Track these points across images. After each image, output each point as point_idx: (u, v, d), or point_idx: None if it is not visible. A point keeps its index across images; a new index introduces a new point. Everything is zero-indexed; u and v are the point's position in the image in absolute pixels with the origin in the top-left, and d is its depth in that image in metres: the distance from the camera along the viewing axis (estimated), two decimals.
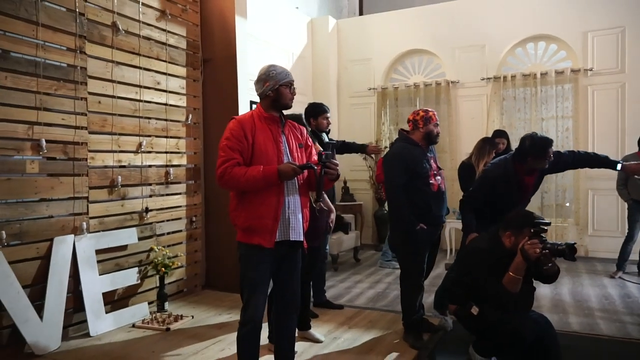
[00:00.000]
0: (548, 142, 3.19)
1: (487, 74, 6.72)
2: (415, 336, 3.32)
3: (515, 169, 3.30)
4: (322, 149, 2.52)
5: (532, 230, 2.80)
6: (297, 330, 3.35)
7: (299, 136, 2.66)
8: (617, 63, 6.13)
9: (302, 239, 2.55)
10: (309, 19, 7.45)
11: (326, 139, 4.22)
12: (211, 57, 4.95)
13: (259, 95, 2.60)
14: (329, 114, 4.21)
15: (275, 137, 2.52)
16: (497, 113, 6.64)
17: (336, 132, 7.27)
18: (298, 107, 4.80)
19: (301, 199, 2.55)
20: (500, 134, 5.19)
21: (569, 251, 2.74)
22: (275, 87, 2.51)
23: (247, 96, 5.66)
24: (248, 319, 2.48)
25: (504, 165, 3.42)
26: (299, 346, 3.30)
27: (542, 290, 4.75)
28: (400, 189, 3.27)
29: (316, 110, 4.17)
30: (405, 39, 7.29)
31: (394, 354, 3.17)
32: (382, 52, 7.43)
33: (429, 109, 3.44)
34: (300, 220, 2.54)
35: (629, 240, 5.18)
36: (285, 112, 2.66)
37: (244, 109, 5.05)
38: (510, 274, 2.82)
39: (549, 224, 2.83)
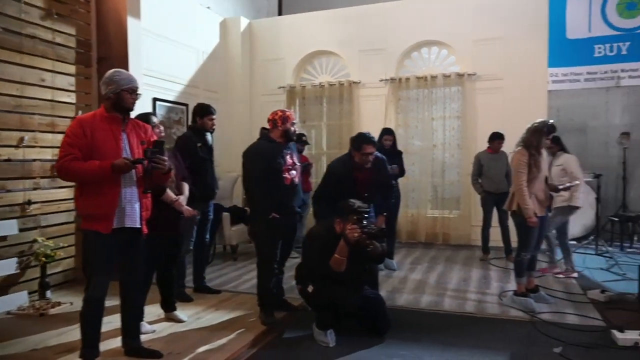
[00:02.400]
0: (365, 139, 3.64)
1: (386, 75, 7.19)
2: (267, 314, 3.69)
3: (352, 165, 3.73)
4: (149, 146, 2.81)
5: (355, 217, 3.22)
6: (163, 311, 3.69)
7: (142, 134, 2.95)
8: (498, 70, 6.73)
9: (138, 225, 2.85)
10: (222, 18, 7.69)
11: (210, 139, 4.53)
12: (107, 55, 5.13)
13: (103, 96, 2.87)
14: (214, 116, 4.50)
15: (115, 135, 2.80)
16: (393, 112, 7.14)
17: (250, 129, 7.53)
18: (208, 102, 5.06)
19: (139, 190, 2.85)
20: (387, 131, 5.68)
21: (380, 234, 3.18)
22: (116, 91, 2.78)
23: (148, 93, 5.90)
24: (89, 297, 2.79)
25: (343, 162, 3.86)
26: (160, 326, 3.63)
27: (413, 275, 5.28)
28: (257, 181, 3.63)
29: (202, 111, 4.45)
30: (315, 41, 7.67)
31: (242, 330, 3.53)
32: (293, 52, 7.78)
33: (287, 110, 3.80)
34: (137, 209, 2.84)
35: (486, 226, 5.87)
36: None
37: (142, 106, 5.28)
38: (336, 255, 3.23)
39: (368, 211, 3.24)
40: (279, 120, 3.69)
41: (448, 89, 6.93)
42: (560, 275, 5.10)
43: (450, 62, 7.10)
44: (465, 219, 6.83)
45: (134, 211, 2.83)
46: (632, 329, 3.41)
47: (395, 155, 5.58)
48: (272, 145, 3.70)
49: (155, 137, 3.03)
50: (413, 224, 7.09)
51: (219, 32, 7.61)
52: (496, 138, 5.77)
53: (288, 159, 3.75)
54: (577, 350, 3.20)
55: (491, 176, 5.80)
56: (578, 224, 7.07)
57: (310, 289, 3.37)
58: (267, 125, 3.82)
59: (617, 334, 3.33)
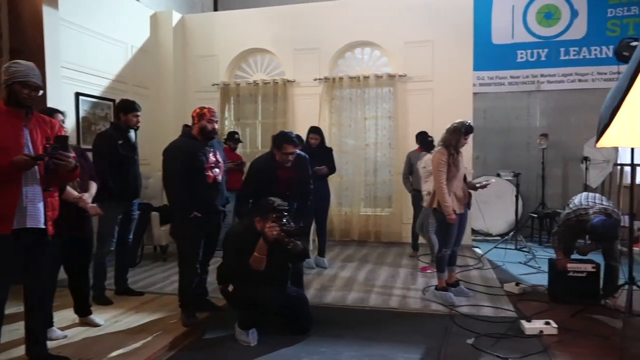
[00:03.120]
0: (286, 138, 3.65)
1: (320, 75, 7.24)
2: (188, 315, 3.61)
3: (274, 163, 3.72)
4: (51, 142, 2.66)
5: (274, 215, 3.21)
6: (77, 316, 3.52)
7: (48, 130, 2.79)
8: (427, 72, 6.95)
9: (42, 226, 2.69)
10: (152, 12, 7.45)
11: (133, 136, 4.36)
12: (20, 46, 4.84)
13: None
14: (139, 112, 4.34)
15: (16, 130, 2.64)
16: (327, 111, 7.20)
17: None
18: (138, 99, 4.85)
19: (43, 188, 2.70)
20: (313, 130, 5.68)
21: (299, 232, 3.19)
22: (8, 83, 2.61)
23: (69, 87, 5.62)
24: None
25: (265, 160, 3.85)
26: (73, 331, 3.46)
27: (344, 272, 5.34)
28: (177, 179, 3.54)
29: (126, 107, 4.29)
30: (250, 38, 7.59)
31: (161, 332, 3.44)
32: (227, 49, 7.67)
33: (206, 107, 3.71)
34: (41, 208, 2.69)
35: (416, 224, 6.00)
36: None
37: (63, 101, 5.04)
38: (255, 254, 3.20)
39: (288, 209, 3.24)
40: (195, 117, 3.63)
41: (380, 89, 7.08)
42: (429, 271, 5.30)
43: (383, 63, 7.26)
44: (396, 216, 7.00)
45: (36, 211, 2.67)
46: (540, 318, 3.62)
47: (323, 154, 5.61)
48: (193, 142, 3.62)
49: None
50: (346, 223, 7.18)
51: (149, 26, 7.36)
52: (419, 137, 5.94)
53: (211, 156, 3.68)
54: (488, 340, 3.35)
55: (420, 175, 5.96)
56: (502, 220, 7.46)
57: (230, 288, 3.32)
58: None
59: (524, 323, 3.52)
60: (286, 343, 3.33)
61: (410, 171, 6.03)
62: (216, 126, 3.71)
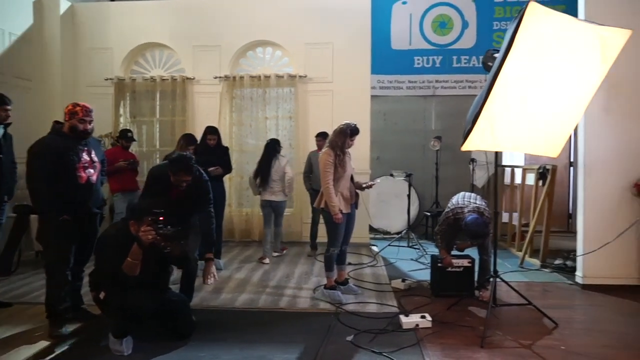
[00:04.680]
0: (183, 167, 3.56)
1: (221, 73, 7.10)
2: (56, 326, 3.36)
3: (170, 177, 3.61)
4: None
5: (149, 219, 3.08)
6: None
7: None
8: (327, 73, 7.06)
9: None
10: None
11: (1, 132, 4.00)
12: None
13: None
14: (9, 106, 4.01)
15: None
16: (228, 110, 7.08)
17: None
18: (18, 92, 4.45)
19: None
20: (210, 131, 5.56)
21: (177, 235, 3.09)
22: None
23: None
24: None
25: (162, 171, 3.72)
26: None
27: (239, 274, 5.27)
28: (42, 179, 3.27)
29: None
30: (147, 32, 7.27)
31: (23, 346, 3.17)
32: (122, 42, 7.28)
33: (80, 104, 3.47)
34: None
35: (314, 223, 6.10)
36: None
37: None
38: (129, 259, 3.05)
39: (162, 213, 3.12)
40: (67, 114, 3.39)
41: (281, 89, 7.08)
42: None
43: (284, 63, 7.27)
44: (297, 216, 7.04)
45: None
46: (419, 312, 3.80)
47: (220, 154, 5.53)
48: (63, 140, 3.37)
49: None
50: (247, 223, 7.11)
51: (32, 12, 6.79)
52: (317, 136, 6.05)
53: (84, 156, 3.45)
54: (367, 336, 3.45)
55: (318, 174, 6.04)
56: (400, 219, 7.76)
57: (102, 295, 3.14)
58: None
59: (403, 318, 3.67)
60: (163, 350, 3.21)
61: (310, 171, 6.11)
62: (90, 126, 3.46)
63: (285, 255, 6.23)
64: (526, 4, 2.91)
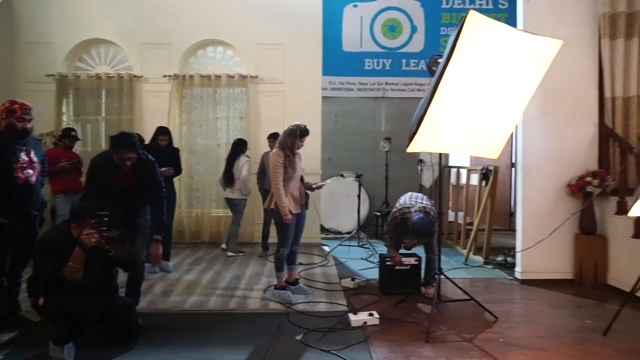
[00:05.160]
0: (125, 144, 3.47)
1: (170, 71, 6.97)
2: None
3: (113, 163, 3.50)
4: None
5: (93, 221, 2.99)
6: None
7: None
8: (279, 74, 7.07)
9: None
10: None
11: None
12: None
13: None
14: None
15: None
16: (178, 110, 6.96)
17: None
18: None
19: None
20: (161, 131, 5.45)
21: (122, 238, 3.03)
22: None
23: None
24: None
25: (104, 157, 3.60)
26: None
27: (188, 276, 5.19)
28: None
29: None
30: (92, 27, 7.02)
31: None
32: (66, 37, 7.00)
33: (18, 101, 3.33)
34: None
35: (266, 224, 6.11)
36: None
37: None
38: (70, 263, 2.95)
39: (107, 215, 3.04)
40: (4, 112, 3.25)
41: (232, 89, 7.03)
42: None
43: (235, 63, 7.23)
44: (249, 217, 7.00)
45: None
46: (367, 310, 3.88)
47: (171, 155, 5.44)
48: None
49: None
50: (197, 224, 7.01)
51: None
52: (269, 137, 6.08)
53: (22, 156, 3.32)
54: (317, 335, 3.49)
55: (269, 175, 6.05)
56: (351, 219, 7.87)
57: (41, 301, 3.02)
58: None
59: (351, 316, 3.75)
60: (107, 356, 3.13)
61: (263, 171, 6.10)
62: (29, 125, 3.34)
63: (237, 256, 6.19)
64: (467, 12, 3.05)
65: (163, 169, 5.03)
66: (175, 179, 5.78)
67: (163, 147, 5.36)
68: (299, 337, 3.44)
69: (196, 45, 7.12)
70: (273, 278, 5.05)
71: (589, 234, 4.95)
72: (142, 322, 3.47)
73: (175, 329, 3.65)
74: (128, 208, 3.68)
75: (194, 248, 6.71)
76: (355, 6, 8.48)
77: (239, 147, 6.16)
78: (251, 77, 6.95)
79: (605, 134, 5.05)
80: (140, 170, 3.69)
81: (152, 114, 6.92)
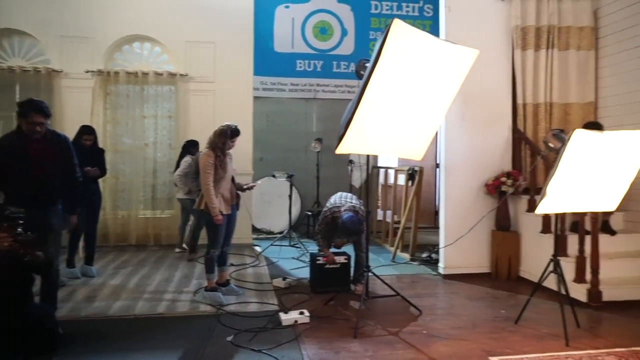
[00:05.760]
0: (33, 106, 3.24)
1: (93, 67, 6.65)
2: None
3: (22, 137, 3.28)
4: None
5: (5, 225, 2.82)
6: None
7: None
8: (209, 73, 6.97)
9: None
10: None
11: None
12: None
13: None
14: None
15: None
16: (102, 107, 6.67)
17: None
18: None
19: None
20: (86, 130, 5.17)
21: (38, 242, 2.88)
22: None
23: None
24: None
25: (10, 135, 3.39)
26: None
27: (113, 280, 5.00)
28: None
29: None
30: (4, 16, 6.55)
31: None
32: None
33: None
34: None
35: (198, 227, 6.00)
36: None
37: None
38: None
39: (22, 216, 2.88)
40: None
41: (160, 87, 6.85)
42: None
43: (164, 60, 7.04)
44: (177, 218, 6.83)
45: None
46: (298, 309, 3.94)
47: (96, 155, 5.19)
48: None
49: None
50: (124, 226, 6.75)
51: None
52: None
53: None
54: (248, 335, 3.50)
55: None
56: (283, 219, 7.92)
57: None
58: None
59: (282, 315, 3.79)
60: None
61: (196, 172, 5.93)
62: None
63: (165, 259, 6.04)
64: (391, 21, 3.19)
65: (88, 168, 4.82)
66: (100, 180, 5.52)
67: (87, 148, 5.10)
68: (229, 338, 3.43)
69: (122, 41, 6.86)
70: (203, 280, 4.99)
71: (503, 230, 5.33)
72: (62, 331, 3.31)
73: (99, 336, 3.52)
74: (43, 195, 3.41)
75: (119, 251, 6.45)
76: (287, 7, 8.53)
77: (187, 148, 6.27)
78: (181, 75, 6.80)
79: (518, 138, 5.46)
80: (53, 141, 3.45)
81: (74, 111, 6.57)
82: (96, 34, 6.72)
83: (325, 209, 4.77)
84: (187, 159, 6.14)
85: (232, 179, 4.39)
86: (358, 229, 4.43)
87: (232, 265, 5.47)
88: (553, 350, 3.29)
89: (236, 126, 4.25)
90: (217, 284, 4.44)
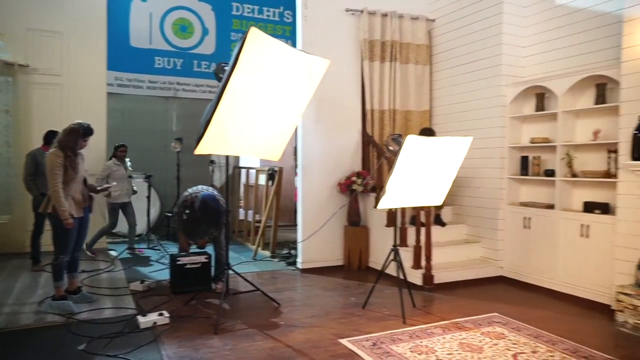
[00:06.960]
0: None
1: None
2: None
3: None
4: None
5: None
6: None
7: None
8: (56, 65, 6.43)
9: None
10: None
11: None
12: None
13: None
14: None
15: None
16: None
17: None
18: None
19: None
20: None
21: None
22: None
23: None
24: None
25: None
26: None
27: None
28: None
29: None
30: None
31: None
32: None
33: None
34: None
35: (37, 233, 5.49)
36: None
37: None
38: None
39: None
40: None
41: None
42: None
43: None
44: (18, 224, 6.21)
45: None
46: (158, 311, 3.90)
47: None
48: None
49: None
50: None
51: None
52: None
53: None
54: (102, 342, 3.38)
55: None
56: (140, 220, 7.60)
57: None
58: None
59: (140, 318, 3.73)
60: None
61: (35, 172, 5.42)
62: None
63: (4, 268, 5.44)
64: (248, 29, 3.35)
65: None
66: None
67: None
68: (81, 347, 3.29)
69: None
70: (50, 289, 4.65)
71: (354, 226, 5.84)
72: None
73: None
74: None
75: None
76: (143, 1, 8.21)
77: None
78: (20, 65, 6.16)
79: (367, 140, 6.01)
80: None
81: None
82: None
83: (185, 193, 4.78)
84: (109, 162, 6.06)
85: (85, 181, 4.16)
86: (217, 208, 4.43)
87: (83, 271, 5.16)
88: (393, 328, 3.76)
89: (89, 125, 4.04)
90: (67, 292, 4.18)
